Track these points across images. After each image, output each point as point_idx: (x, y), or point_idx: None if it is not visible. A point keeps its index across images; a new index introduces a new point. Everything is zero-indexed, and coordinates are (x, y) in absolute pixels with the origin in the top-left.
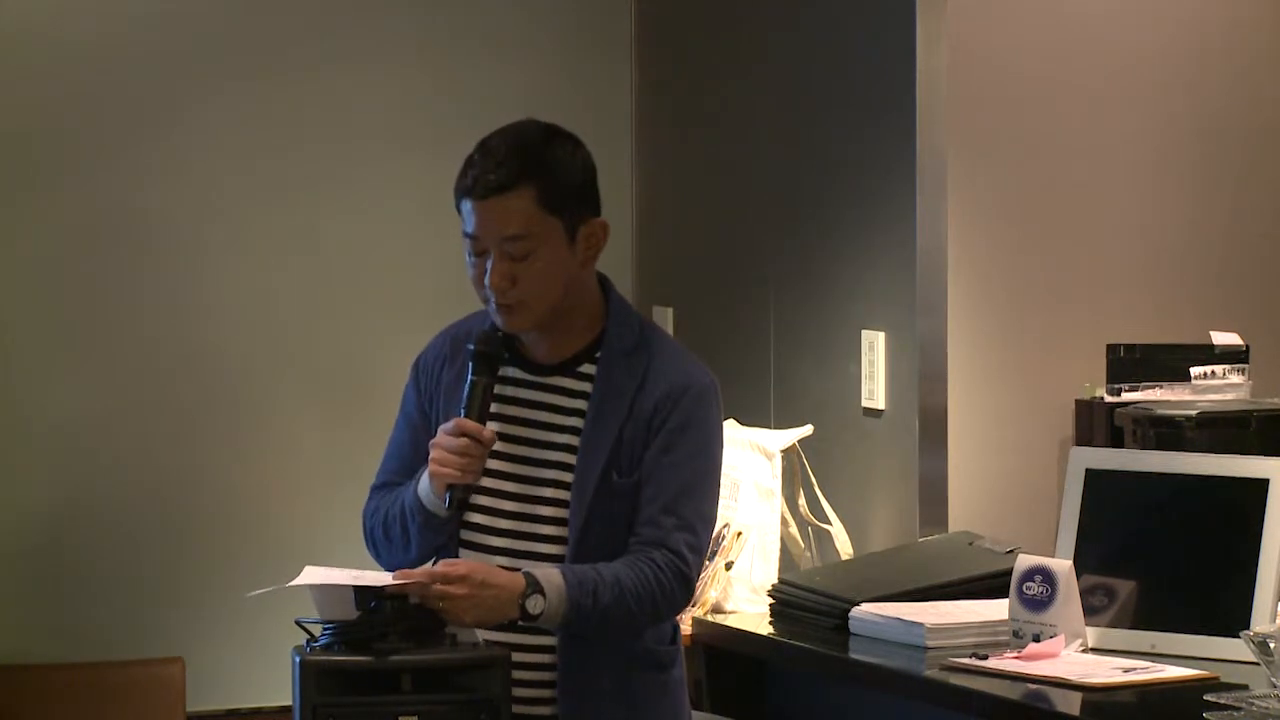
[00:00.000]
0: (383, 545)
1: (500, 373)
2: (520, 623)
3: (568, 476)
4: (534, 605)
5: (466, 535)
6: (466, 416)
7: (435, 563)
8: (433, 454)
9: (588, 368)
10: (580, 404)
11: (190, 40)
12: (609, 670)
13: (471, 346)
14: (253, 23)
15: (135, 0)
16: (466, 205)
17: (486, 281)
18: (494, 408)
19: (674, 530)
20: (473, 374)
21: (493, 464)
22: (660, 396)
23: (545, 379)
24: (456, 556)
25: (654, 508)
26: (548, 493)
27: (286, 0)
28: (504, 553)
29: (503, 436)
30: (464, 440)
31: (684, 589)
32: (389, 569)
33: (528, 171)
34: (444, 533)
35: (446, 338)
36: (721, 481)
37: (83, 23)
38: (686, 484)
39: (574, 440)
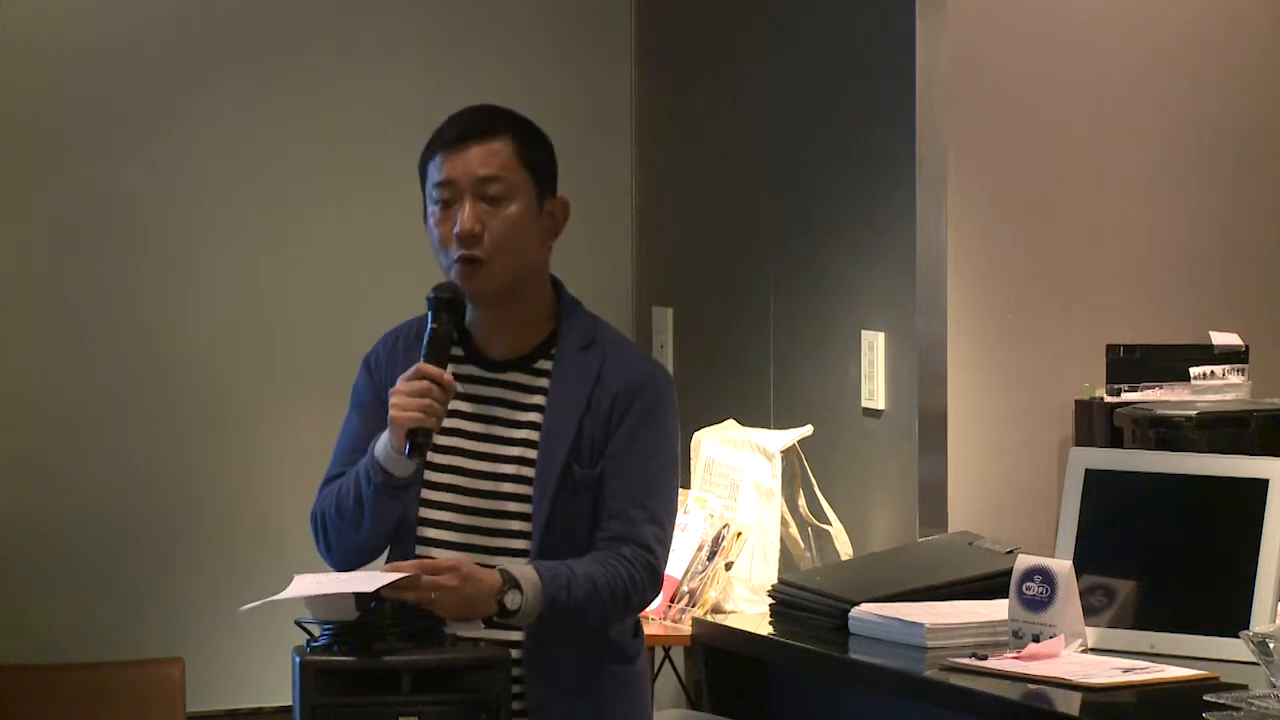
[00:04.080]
0: (334, 524)
1: (456, 370)
2: (496, 619)
3: (529, 471)
4: (512, 601)
5: (427, 532)
6: (426, 361)
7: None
8: (393, 400)
9: (543, 363)
10: (538, 399)
11: (188, 39)
12: (574, 663)
13: (432, 294)
14: (250, 23)
15: (130, 1)
16: (438, 159)
17: (456, 230)
18: (451, 405)
19: (643, 523)
20: (432, 321)
21: (452, 460)
22: (619, 390)
23: (501, 375)
24: (414, 554)
25: (621, 501)
26: (510, 488)
27: (289, 2)
28: (468, 549)
29: (461, 433)
30: (425, 383)
31: (653, 582)
32: (340, 553)
33: (508, 124)
34: (400, 500)
35: (396, 336)
36: (721, 480)
37: (75, 21)
38: (652, 478)
39: (533, 435)
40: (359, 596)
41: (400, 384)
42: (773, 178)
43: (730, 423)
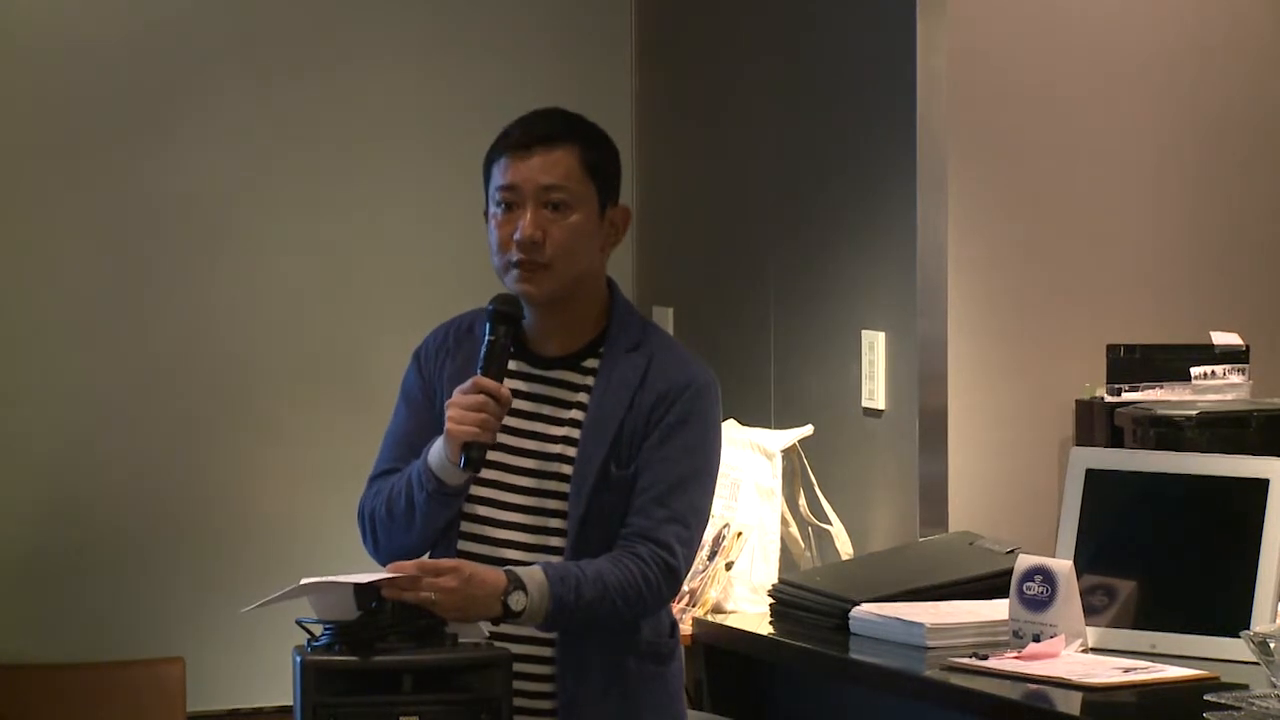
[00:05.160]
0: (383, 525)
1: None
2: (504, 620)
3: (568, 469)
4: (516, 601)
5: (471, 527)
6: (484, 375)
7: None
8: (449, 414)
9: (590, 362)
10: (582, 397)
11: (195, 42)
12: (607, 662)
13: (490, 307)
14: (256, 24)
15: (139, 2)
16: (503, 162)
17: (516, 236)
18: None
19: (664, 522)
20: (490, 334)
21: (497, 456)
22: (661, 392)
23: (548, 372)
24: (455, 549)
25: (645, 498)
26: (553, 485)
27: (291, 2)
28: (511, 545)
29: (507, 429)
30: (481, 397)
31: (670, 582)
32: (388, 552)
33: (574, 131)
34: (452, 507)
35: (446, 330)
36: (721, 480)
37: (83, 24)
38: (681, 477)
39: (574, 433)
40: (359, 596)
41: (457, 396)
42: (773, 178)
43: (731, 422)
